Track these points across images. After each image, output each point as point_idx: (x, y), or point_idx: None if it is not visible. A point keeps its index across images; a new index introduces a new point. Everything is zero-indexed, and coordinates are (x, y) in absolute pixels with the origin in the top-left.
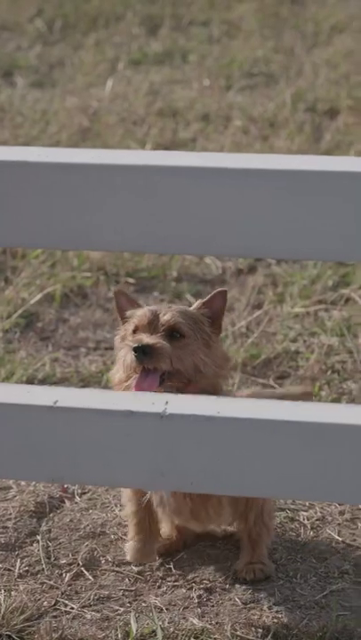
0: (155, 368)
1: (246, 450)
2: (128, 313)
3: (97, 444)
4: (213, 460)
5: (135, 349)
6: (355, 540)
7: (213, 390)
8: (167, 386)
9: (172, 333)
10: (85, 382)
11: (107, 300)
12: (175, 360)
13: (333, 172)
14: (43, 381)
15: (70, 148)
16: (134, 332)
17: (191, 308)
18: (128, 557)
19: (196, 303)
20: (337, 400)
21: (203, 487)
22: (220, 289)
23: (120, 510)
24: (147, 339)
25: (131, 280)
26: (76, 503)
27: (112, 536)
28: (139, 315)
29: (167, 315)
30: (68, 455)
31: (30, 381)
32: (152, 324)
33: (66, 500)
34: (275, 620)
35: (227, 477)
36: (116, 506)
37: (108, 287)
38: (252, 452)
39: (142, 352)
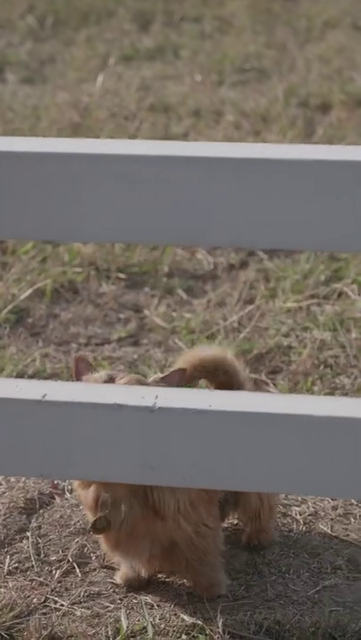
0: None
1: (238, 443)
2: (84, 378)
3: (86, 438)
4: (205, 454)
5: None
6: (348, 536)
7: None
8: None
9: None
10: None
11: (98, 295)
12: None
13: (325, 160)
14: (33, 377)
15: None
16: None
17: (149, 380)
18: (118, 581)
19: (154, 376)
20: (330, 395)
21: (195, 482)
22: (180, 367)
23: None
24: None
25: (122, 275)
26: (67, 499)
27: None
28: (95, 377)
29: (123, 380)
30: (56, 450)
31: (20, 377)
32: None
33: (56, 497)
34: (267, 616)
35: (218, 472)
36: None
37: (99, 282)
38: (245, 446)
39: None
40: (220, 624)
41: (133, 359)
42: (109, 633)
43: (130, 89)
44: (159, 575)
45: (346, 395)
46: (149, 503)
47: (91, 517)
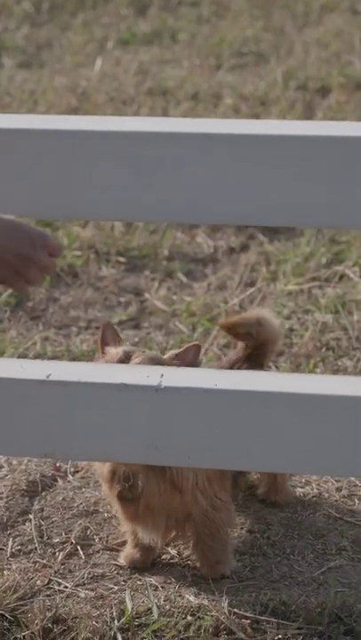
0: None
1: (244, 423)
2: (109, 348)
3: (91, 418)
4: (210, 433)
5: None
6: (352, 517)
7: None
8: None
9: None
10: (77, 361)
11: (97, 278)
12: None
13: (323, 136)
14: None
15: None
16: None
17: (165, 357)
18: (123, 562)
19: (170, 353)
20: None
21: (200, 461)
22: (194, 343)
23: None
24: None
25: (121, 259)
26: (69, 481)
27: (105, 514)
28: (112, 353)
29: (138, 359)
30: (60, 430)
31: None
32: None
33: (58, 479)
34: (272, 597)
35: (224, 451)
36: None
37: (98, 266)
38: (251, 425)
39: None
40: (225, 605)
41: (134, 342)
42: (114, 614)
43: (128, 73)
44: (163, 557)
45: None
46: (167, 477)
47: (107, 489)
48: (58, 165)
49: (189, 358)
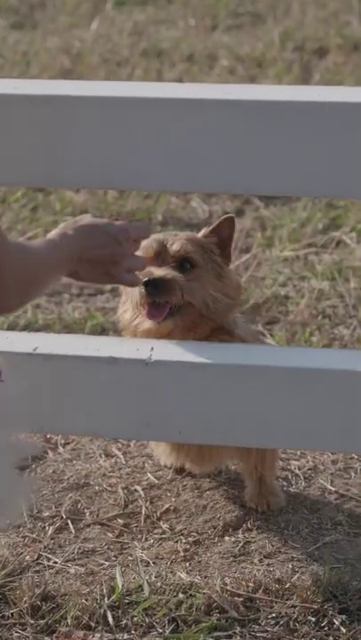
0: (166, 302)
1: (236, 397)
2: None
3: (79, 392)
4: (202, 408)
5: (145, 283)
6: (348, 491)
7: (225, 325)
8: (177, 323)
9: (183, 264)
10: (69, 329)
11: None
12: (187, 293)
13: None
14: (25, 328)
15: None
16: None
17: (199, 236)
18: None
19: (203, 231)
20: (329, 346)
21: (191, 437)
22: (227, 215)
23: (105, 461)
24: (156, 271)
25: None
26: (60, 454)
27: (96, 487)
28: (144, 246)
29: (176, 244)
30: (48, 404)
31: (12, 328)
32: (160, 256)
33: (49, 451)
34: (266, 574)
35: (216, 426)
36: (100, 456)
37: None
38: (242, 400)
39: (153, 285)
40: (217, 582)
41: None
42: (104, 591)
43: (122, 34)
44: (155, 531)
45: (345, 346)
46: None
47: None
48: (44, 131)
49: (225, 232)
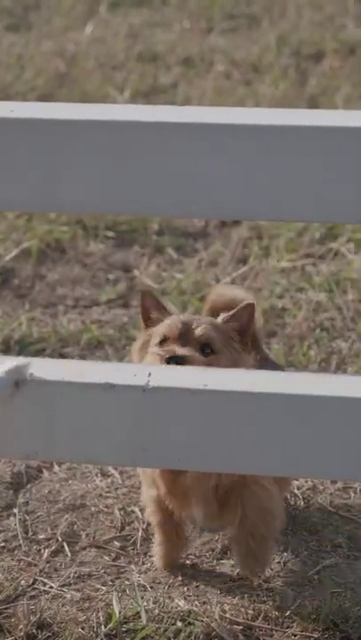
0: None
1: (235, 425)
2: (154, 316)
3: (74, 418)
4: (200, 435)
5: (168, 360)
6: (348, 511)
7: None
8: None
9: (204, 348)
10: (64, 342)
11: (85, 254)
12: None
13: (315, 127)
14: (19, 342)
15: (46, 94)
16: (162, 342)
17: (219, 321)
18: (156, 563)
19: (223, 316)
20: (326, 360)
21: (189, 464)
22: (248, 301)
23: (101, 480)
24: (180, 350)
25: (110, 234)
26: (55, 473)
27: (92, 508)
28: (169, 324)
29: (200, 328)
30: (42, 431)
31: (6, 342)
32: (183, 337)
33: (44, 470)
34: (265, 600)
35: (214, 454)
36: (96, 475)
37: (86, 241)
38: (242, 427)
39: (175, 363)
40: (216, 610)
41: (123, 322)
42: (101, 619)
43: (117, 37)
44: (151, 554)
45: (343, 360)
46: None
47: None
48: (40, 156)
49: (245, 318)
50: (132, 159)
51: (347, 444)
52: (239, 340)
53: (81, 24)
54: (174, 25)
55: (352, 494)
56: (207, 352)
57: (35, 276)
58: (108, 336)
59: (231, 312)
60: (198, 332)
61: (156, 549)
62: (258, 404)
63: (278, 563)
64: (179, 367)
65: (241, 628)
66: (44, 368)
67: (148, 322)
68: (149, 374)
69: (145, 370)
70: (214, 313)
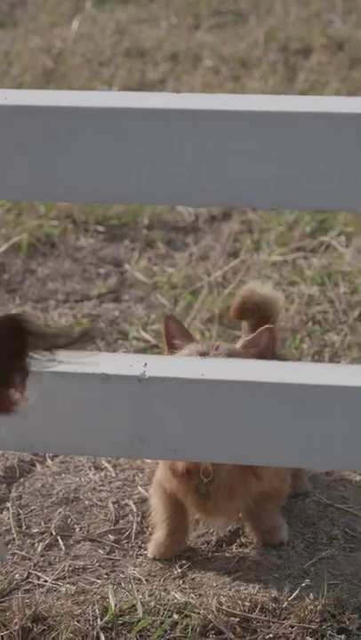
0: None
1: (232, 414)
2: (177, 342)
3: (70, 410)
4: (197, 425)
5: None
6: (344, 503)
7: None
8: None
9: None
10: None
11: (76, 249)
12: None
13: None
14: None
15: (34, 90)
16: None
17: (238, 346)
18: (150, 553)
19: (242, 341)
20: (319, 353)
21: (187, 454)
22: (267, 326)
23: (94, 474)
24: None
25: (100, 228)
26: (48, 467)
27: (86, 502)
28: (186, 354)
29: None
30: (38, 422)
31: None
32: None
33: (37, 464)
34: (262, 592)
35: (212, 444)
36: (89, 469)
37: (76, 236)
38: (239, 417)
39: None
40: (213, 602)
41: (114, 316)
42: (97, 612)
43: (104, 33)
44: (147, 547)
45: (336, 353)
46: (249, 467)
47: (180, 484)
48: (34, 145)
49: (264, 343)
50: (132, 147)
51: (342, 433)
52: None
53: (67, 20)
54: (161, 21)
55: (348, 486)
56: None
57: (25, 271)
58: (99, 330)
59: (250, 337)
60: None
61: (154, 539)
62: (255, 393)
63: (274, 555)
64: (175, 357)
65: (238, 619)
66: None
67: (171, 347)
68: (145, 364)
69: (141, 360)
70: (244, 313)
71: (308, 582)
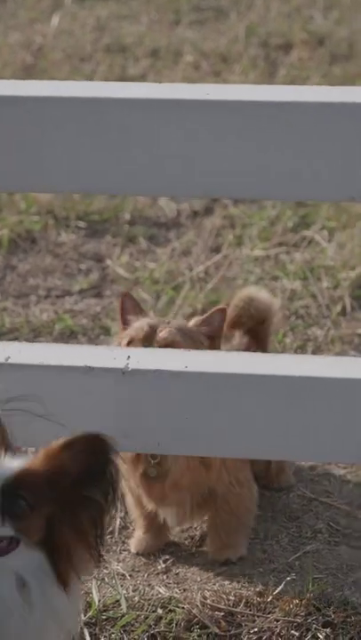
0: None
1: (216, 407)
2: (130, 318)
3: (53, 403)
4: (181, 418)
5: None
6: (328, 497)
7: None
8: None
9: None
10: (36, 332)
11: (57, 245)
12: None
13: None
14: None
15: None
16: (129, 343)
17: (190, 324)
18: (132, 549)
19: (194, 320)
20: (302, 347)
21: (171, 448)
22: (219, 306)
23: None
24: None
25: (81, 224)
26: None
27: None
28: (135, 327)
29: (164, 332)
30: (21, 416)
31: None
32: (147, 340)
33: None
34: (246, 586)
35: (196, 437)
36: None
37: (57, 231)
38: (223, 409)
39: None
40: (197, 597)
41: (96, 312)
42: (80, 607)
43: (84, 29)
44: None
45: (319, 347)
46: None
47: (130, 469)
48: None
49: (216, 322)
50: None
51: (328, 425)
52: (209, 344)
53: (47, 16)
54: (142, 17)
55: (332, 480)
56: None
57: (6, 267)
58: (81, 326)
59: (203, 316)
60: (162, 335)
61: (135, 535)
62: (238, 384)
63: (258, 549)
64: (158, 349)
65: (222, 614)
66: (21, 352)
67: (126, 323)
68: (128, 357)
69: (124, 353)
70: (240, 324)
71: (293, 576)
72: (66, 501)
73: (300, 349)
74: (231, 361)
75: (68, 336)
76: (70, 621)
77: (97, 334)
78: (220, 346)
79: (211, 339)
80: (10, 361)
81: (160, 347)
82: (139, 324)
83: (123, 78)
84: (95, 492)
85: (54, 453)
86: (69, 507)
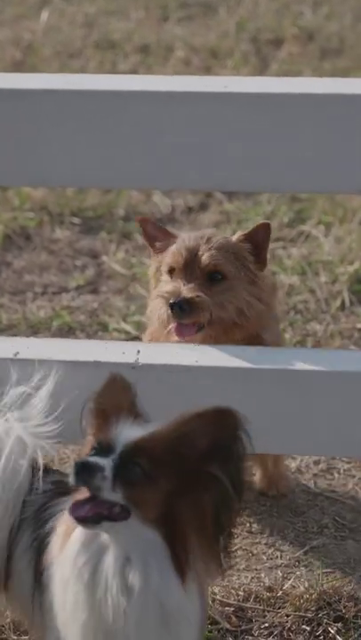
0: (193, 322)
1: (227, 399)
2: (159, 245)
3: (62, 398)
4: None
5: (171, 306)
6: (333, 492)
7: (260, 334)
8: (208, 334)
9: (213, 275)
10: (35, 329)
11: (52, 241)
12: (216, 309)
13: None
14: None
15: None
16: (170, 272)
17: (233, 240)
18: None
19: (237, 235)
20: (302, 342)
21: None
22: (263, 221)
23: None
24: (185, 292)
25: (76, 220)
26: None
27: None
28: (174, 253)
29: (206, 256)
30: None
31: None
32: (189, 267)
33: None
34: (255, 581)
35: None
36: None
37: (52, 228)
38: (233, 403)
39: (180, 308)
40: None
41: (93, 308)
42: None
43: (73, 25)
44: None
45: (318, 342)
46: None
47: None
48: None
49: (260, 238)
50: (122, 130)
51: (339, 419)
52: (254, 259)
53: (35, 13)
54: (130, 13)
55: (336, 475)
56: (218, 278)
57: (1, 263)
58: (78, 322)
59: (245, 231)
60: (204, 259)
61: None
62: (249, 379)
63: (265, 544)
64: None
65: (233, 609)
66: (30, 347)
67: (156, 248)
68: (138, 352)
69: (133, 347)
70: None
71: (302, 571)
72: (188, 477)
73: (300, 344)
74: (240, 355)
75: (66, 332)
76: (184, 625)
77: (95, 330)
78: (266, 261)
79: (255, 254)
80: (18, 356)
81: (205, 272)
82: (176, 249)
83: (113, 74)
84: (220, 471)
85: (182, 423)
86: (191, 484)
